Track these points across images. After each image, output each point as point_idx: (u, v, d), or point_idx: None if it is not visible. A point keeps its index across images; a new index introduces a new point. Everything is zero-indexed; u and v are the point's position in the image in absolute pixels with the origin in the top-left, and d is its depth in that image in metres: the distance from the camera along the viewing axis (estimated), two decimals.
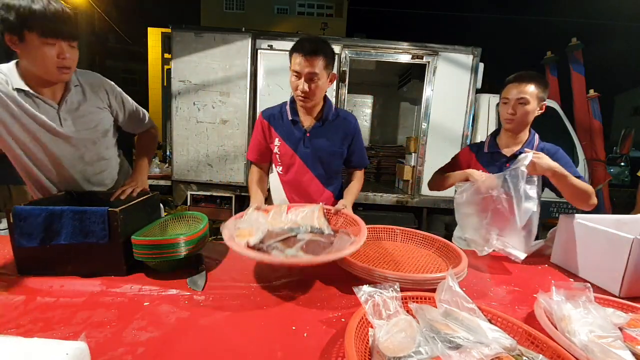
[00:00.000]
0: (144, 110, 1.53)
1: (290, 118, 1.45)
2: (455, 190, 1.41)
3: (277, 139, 1.47)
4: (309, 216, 1.15)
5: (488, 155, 1.58)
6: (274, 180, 1.58)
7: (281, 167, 1.52)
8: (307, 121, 1.47)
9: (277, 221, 1.13)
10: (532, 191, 1.23)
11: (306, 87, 1.31)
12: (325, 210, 1.24)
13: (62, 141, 1.23)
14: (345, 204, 1.32)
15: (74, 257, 0.96)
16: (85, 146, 1.29)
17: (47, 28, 1.02)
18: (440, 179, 1.62)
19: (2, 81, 1.08)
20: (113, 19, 13.97)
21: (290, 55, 1.34)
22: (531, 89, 1.39)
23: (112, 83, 1.39)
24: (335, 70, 3.58)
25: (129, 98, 1.45)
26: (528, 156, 1.23)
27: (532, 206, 1.22)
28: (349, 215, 1.22)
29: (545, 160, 1.24)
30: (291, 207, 1.23)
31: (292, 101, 1.47)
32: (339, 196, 1.55)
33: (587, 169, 4.09)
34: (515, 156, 1.47)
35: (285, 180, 1.54)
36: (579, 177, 1.34)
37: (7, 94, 1.08)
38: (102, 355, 0.64)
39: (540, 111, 1.45)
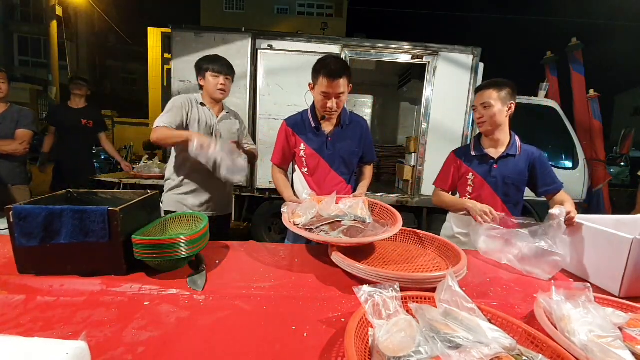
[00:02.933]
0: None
1: (313, 125, 1.64)
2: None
3: (302, 144, 1.66)
4: (354, 207, 1.31)
5: (477, 158, 1.69)
6: (297, 180, 1.75)
7: (307, 168, 1.68)
8: (327, 127, 1.67)
9: (327, 208, 1.30)
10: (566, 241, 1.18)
11: (335, 105, 1.52)
12: (368, 202, 1.39)
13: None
14: (362, 192, 1.58)
15: (74, 257, 0.96)
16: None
17: (215, 69, 1.80)
18: (446, 202, 1.74)
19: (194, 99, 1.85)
20: (113, 19, 13.95)
21: (316, 76, 1.51)
22: (491, 93, 1.56)
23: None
24: None
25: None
26: (561, 212, 1.21)
27: (565, 257, 1.15)
28: (389, 209, 1.38)
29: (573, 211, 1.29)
30: (340, 198, 1.40)
31: (313, 110, 1.66)
32: (355, 189, 1.74)
33: (587, 169, 4.09)
34: (502, 157, 1.63)
35: (312, 179, 1.70)
36: (556, 183, 1.56)
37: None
38: (102, 354, 0.64)
39: (509, 111, 1.58)
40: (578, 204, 4.02)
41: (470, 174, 1.68)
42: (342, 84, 1.49)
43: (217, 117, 1.90)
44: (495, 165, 1.63)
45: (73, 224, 0.94)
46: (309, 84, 1.60)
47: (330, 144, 1.65)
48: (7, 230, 0.95)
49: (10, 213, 0.92)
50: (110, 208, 0.94)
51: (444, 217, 1.90)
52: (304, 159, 1.67)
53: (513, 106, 1.58)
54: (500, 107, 1.55)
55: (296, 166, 1.75)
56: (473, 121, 3.75)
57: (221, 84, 1.82)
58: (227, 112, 1.97)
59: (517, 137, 1.65)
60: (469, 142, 1.81)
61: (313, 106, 1.66)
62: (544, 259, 1.16)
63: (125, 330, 0.73)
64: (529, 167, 1.60)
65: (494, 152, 1.65)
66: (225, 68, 1.84)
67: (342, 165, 1.69)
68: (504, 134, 1.63)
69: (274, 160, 1.74)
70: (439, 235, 1.34)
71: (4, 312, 0.77)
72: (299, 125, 1.68)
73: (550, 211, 1.23)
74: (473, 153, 1.69)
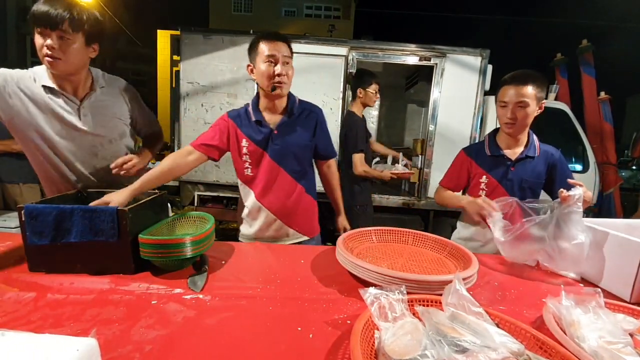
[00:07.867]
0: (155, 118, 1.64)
1: (254, 119, 1.43)
2: (493, 229, 1.26)
3: (244, 140, 1.43)
4: None
5: (491, 159, 1.51)
6: (246, 197, 1.54)
7: (250, 169, 1.47)
8: (272, 119, 1.45)
9: None
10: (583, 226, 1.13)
11: (282, 70, 1.33)
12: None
13: (79, 134, 1.29)
14: (345, 226, 1.31)
15: (83, 255, 0.97)
16: (100, 144, 1.35)
17: (37, 18, 1.05)
18: (445, 198, 1.61)
19: (30, 79, 1.19)
20: (123, 22, 14.19)
21: (254, 49, 1.36)
22: (529, 90, 1.34)
23: (135, 90, 1.48)
24: (342, 72, 3.58)
25: (146, 106, 1.56)
26: (579, 193, 1.11)
27: (586, 239, 1.10)
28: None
29: (588, 193, 1.19)
30: None
31: (255, 102, 1.46)
32: (309, 189, 1.55)
33: (598, 172, 4.02)
34: (519, 159, 1.46)
35: (254, 180, 1.48)
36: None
37: (32, 91, 1.19)
38: (110, 352, 0.65)
39: (539, 111, 1.40)
40: (589, 208, 3.96)
41: (484, 176, 1.51)
42: (287, 49, 1.35)
43: (82, 100, 1.27)
44: (512, 168, 1.46)
45: (83, 223, 0.95)
46: (248, 66, 1.41)
47: (276, 137, 1.42)
48: (19, 229, 0.97)
49: (22, 212, 0.94)
50: (119, 208, 0.95)
51: (451, 220, 1.88)
52: (247, 156, 1.44)
53: (543, 105, 1.40)
54: (534, 107, 1.36)
55: (242, 184, 1.52)
56: (481, 123, 3.72)
57: (49, 46, 1.07)
58: (101, 87, 1.33)
59: (534, 136, 1.49)
60: (481, 140, 1.63)
61: (255, 98, 1.47)
62: (570, 252, 1.12)
63: (133, 328, 0.74)
64: (547, 169, 1.46)
65: (511, 153, 1.47)
66: (56, 15, 1.04)
67: (291, 161, 1.46)
68: (524, 133, 1.47)
69: (193, 143, 1.40)
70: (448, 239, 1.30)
71: (15, 309, 0.79)
72: (242, 117, 1.45)
73: (568, 193, 1.12)
74: (488, 153, 1.52)
